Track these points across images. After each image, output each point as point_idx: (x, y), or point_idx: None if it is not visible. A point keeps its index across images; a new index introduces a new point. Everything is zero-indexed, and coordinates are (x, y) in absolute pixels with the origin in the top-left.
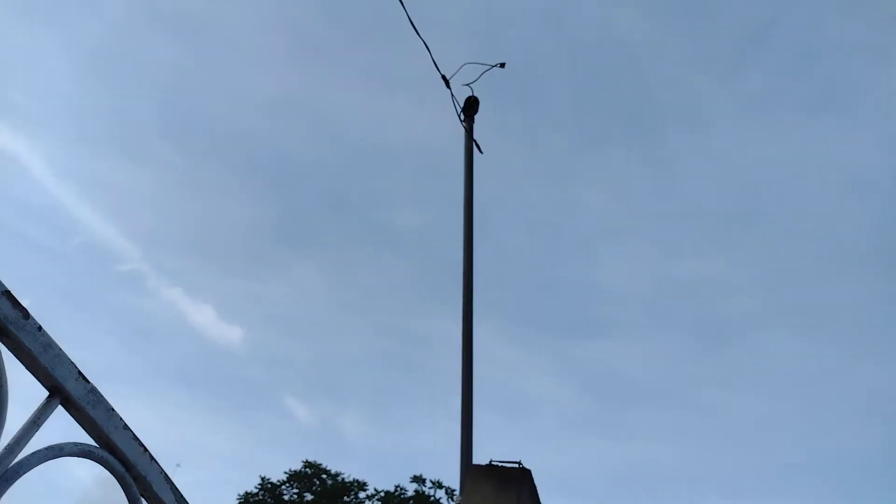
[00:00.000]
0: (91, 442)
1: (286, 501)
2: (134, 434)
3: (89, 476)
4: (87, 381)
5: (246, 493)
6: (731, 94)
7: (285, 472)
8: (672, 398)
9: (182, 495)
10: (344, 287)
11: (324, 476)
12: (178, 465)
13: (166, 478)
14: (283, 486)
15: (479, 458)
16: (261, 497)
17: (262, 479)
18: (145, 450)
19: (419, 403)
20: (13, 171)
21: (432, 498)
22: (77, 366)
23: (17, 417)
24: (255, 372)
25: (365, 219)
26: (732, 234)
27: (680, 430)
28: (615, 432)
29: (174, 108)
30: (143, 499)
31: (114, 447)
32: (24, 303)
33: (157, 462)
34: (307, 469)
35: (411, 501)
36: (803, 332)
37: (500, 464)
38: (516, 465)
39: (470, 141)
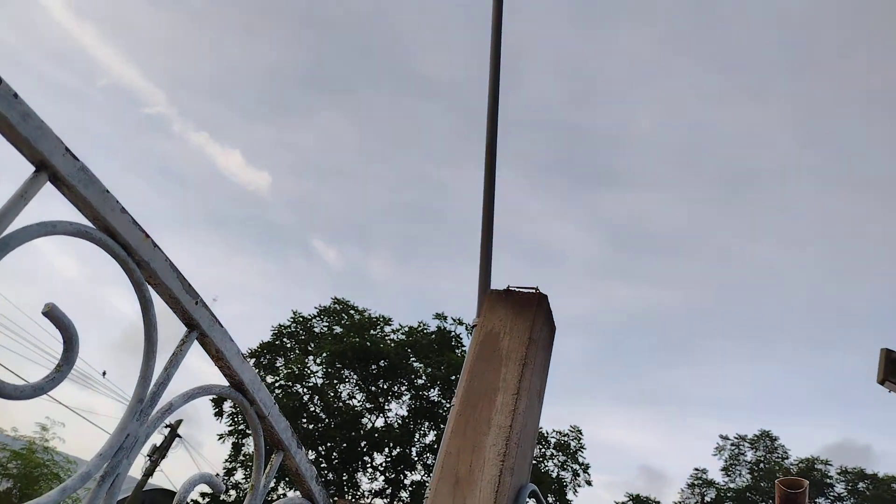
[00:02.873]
0: (88, 223)
1: (317, 333)
2: (133, 218)
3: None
4: (77, 159)
5: (279, 325)
6: None
7: (315, 308)
8: (692, 247)
9: (191, 285)
10: (370, 134)
11: (352, 312)
12: (214, 300)
13: (172, 266)
14: (314, 320)
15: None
16: (293, 329)
17: (294, 313)
18: (147, 235)
19: (442, 250)
20: (32, 10)
21: (452, 333)
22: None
23: (4, 195)
24: (285, 216)
25: (391, 64)
26: (770, 84)
27: (696, 277)
28: (633, 279)
29: None
30: (148, 285)
31: (112, 230)
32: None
33: (161, 249)
34: (336, 305)
35: (433, 335)
36: (828, 185)
37: (517, 289)
38: (533, 291)
39: None
